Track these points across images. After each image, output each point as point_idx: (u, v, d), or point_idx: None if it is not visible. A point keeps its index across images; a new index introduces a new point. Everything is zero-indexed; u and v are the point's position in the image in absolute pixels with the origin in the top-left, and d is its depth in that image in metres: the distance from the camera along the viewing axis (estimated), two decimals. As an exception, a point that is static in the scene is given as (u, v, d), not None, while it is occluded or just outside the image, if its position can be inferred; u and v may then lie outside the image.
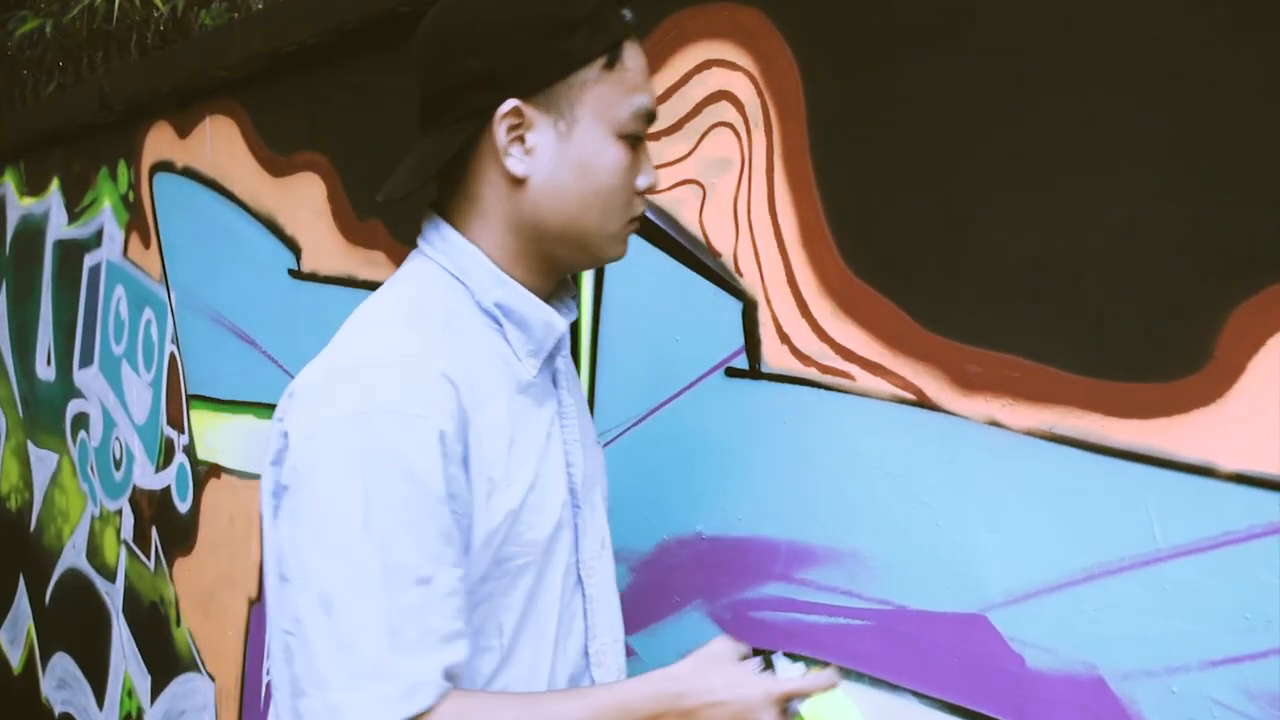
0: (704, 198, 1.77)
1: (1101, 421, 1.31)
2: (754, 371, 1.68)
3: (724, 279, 1.74)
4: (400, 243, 2.32)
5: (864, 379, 1.54)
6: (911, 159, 1.49)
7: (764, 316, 1.69)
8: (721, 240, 1.74)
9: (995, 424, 1.40)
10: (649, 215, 1.84)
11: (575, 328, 1.95)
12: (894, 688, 1.51)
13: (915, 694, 1.48)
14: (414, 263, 1.29)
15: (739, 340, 1.72)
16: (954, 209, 1.45)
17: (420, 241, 1.30)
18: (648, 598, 1.88)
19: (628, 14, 1.25)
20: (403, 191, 1.22)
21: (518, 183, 1.21)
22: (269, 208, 2.83)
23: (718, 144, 1.74)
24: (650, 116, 1.27)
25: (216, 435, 3.05)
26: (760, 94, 1.68)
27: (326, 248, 2.59)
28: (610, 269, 1.91)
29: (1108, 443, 1.31)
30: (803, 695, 1.22)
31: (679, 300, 1.81)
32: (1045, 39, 1.35)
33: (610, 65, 1.22)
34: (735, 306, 1.72)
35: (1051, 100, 1.35)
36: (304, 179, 2.68)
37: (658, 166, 1.80)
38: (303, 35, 2.51)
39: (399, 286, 1.27)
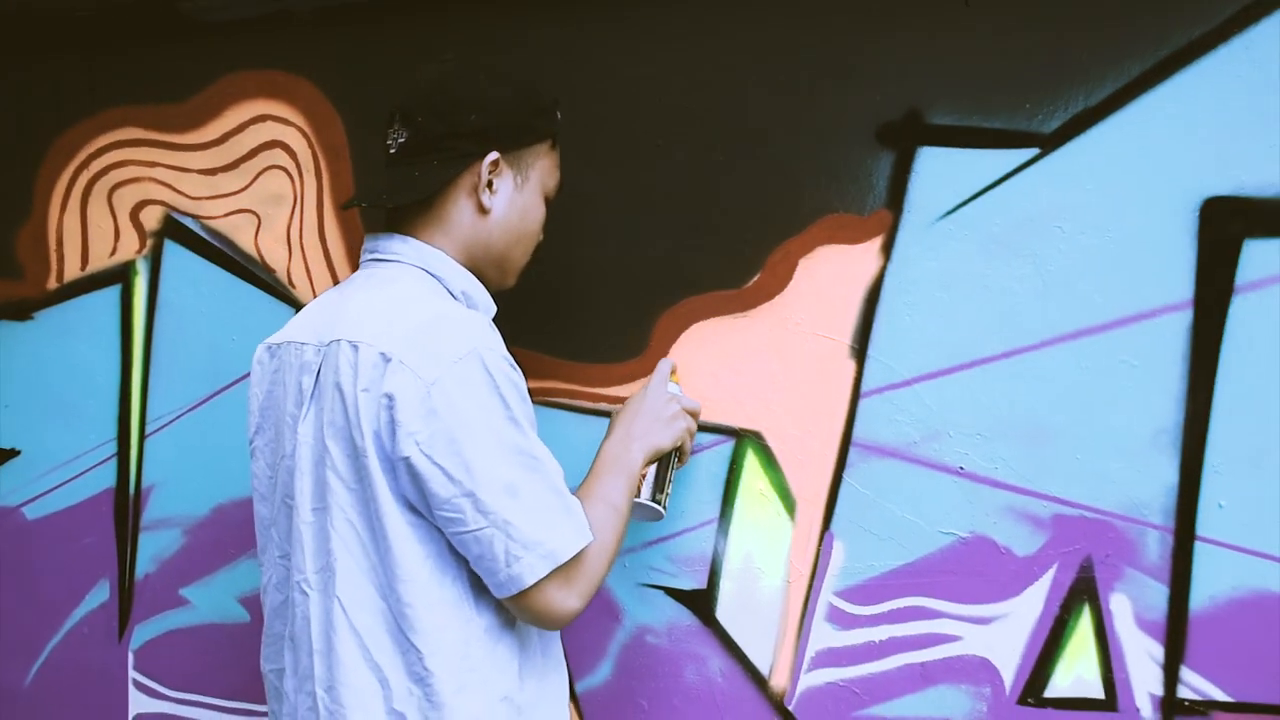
0: (259, 225, 2.04)
1: (582, 390, 1.81)
2: (308, 363, 1.97)
3: (279, 290, 2.02)
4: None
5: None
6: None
7: (315, 320, 1.99)
8: (276, 259, 2.03)
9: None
10: (205, 236, 2.07)
11: (130, 325, 2.12)
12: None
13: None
14: (388, 268, 1.45)
15: (292, 338, 2.01)
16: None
17: (379, 252, 1.47)
18: (202, 553, 2.09)
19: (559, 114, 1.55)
20: (407, 200, 1.43)
21: (483, 213, 1.45)
22: None
23: (272, 182, 2.02)
24: (559, 190, 1.58)
25: None
26: (311, 146, 1.99)
27: None
28: (166, 279, 2.10)
29: (586, 405, 1.81)
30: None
31: (235, 307, 2.05)
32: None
33: (554, 145, 1.54)
34: (289, 312, 2.01)
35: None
36: None
37: (214, 198, 2.06)
38: None
39: (396, 283, 1.42)
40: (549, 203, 1.56)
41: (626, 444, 1.51)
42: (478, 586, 1.35)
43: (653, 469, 1.55)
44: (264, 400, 1.50)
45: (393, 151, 1.45)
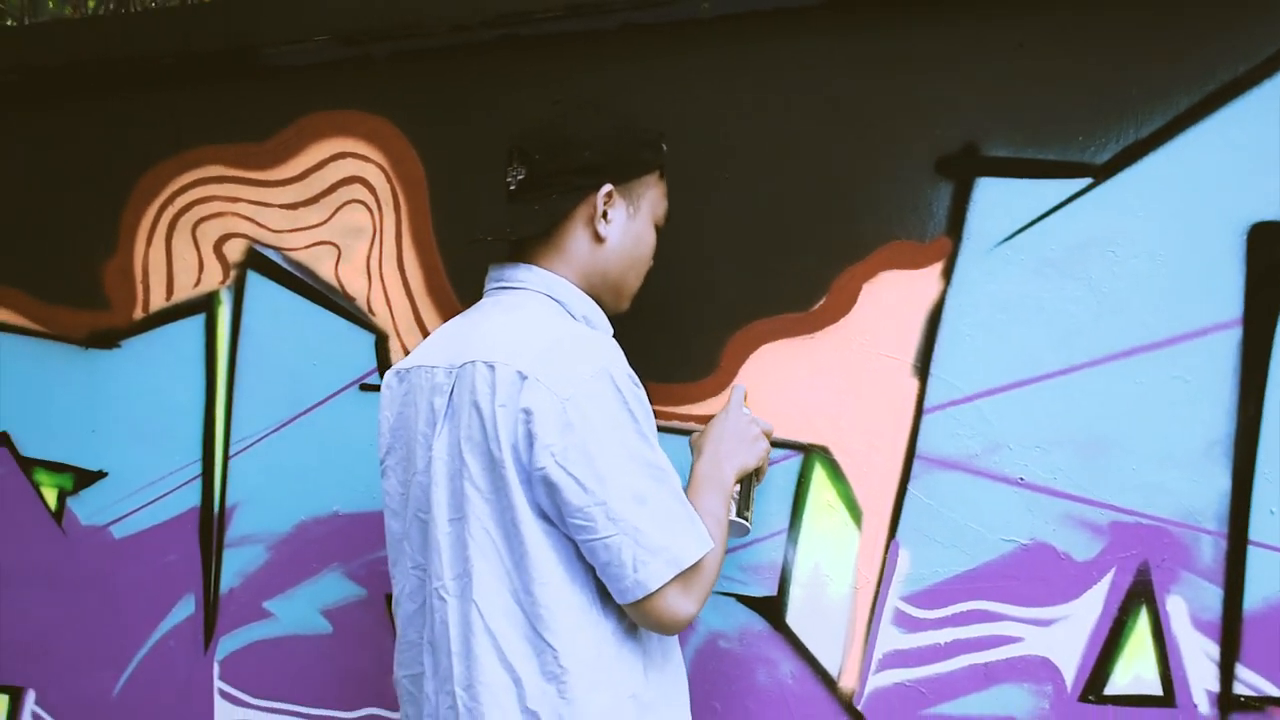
0: (339, 256, 2.12)
1: (658, 409, 1.87)
2: (388, 386, 2.05)
3: (359, 318, 2.10)
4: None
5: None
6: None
7: (394, 346, 2.08)
8: (356, 289, 2.11)
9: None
10: (287, 267, 2.15)
11: (214, 352, 2.20)
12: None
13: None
14: (514, 294, 1.54)
15: (372, 363, 2.10)
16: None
17: (504, 280, 1.56)
18: (285, 568, 2.17)
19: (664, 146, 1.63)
20: (530, 233, 1.51)
21: (599, 241, 1.54)
22: None
23: (352, 216, 2.11)
24: (667, 218, 1.66)
25: None
26: (390, 181, 2.08)
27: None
28: (249, 308, 2.18)
29: (659, 424, 1.87)
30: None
31: (315, 334, 2.13)
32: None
33: (661, 175, 1.63)
34: (369, 339, 2.10)
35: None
36: None
37: (295, 231, 2.14)
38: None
39: (523, 308, 1.51)
40: (659, 229, 1.64)
41: (717, 463, 1.58)
42: (604, 594, 1.43)
43: (737, 488, 1.63)
44: (394, 422, 1.57)
45: (512, 188, 1.53)
